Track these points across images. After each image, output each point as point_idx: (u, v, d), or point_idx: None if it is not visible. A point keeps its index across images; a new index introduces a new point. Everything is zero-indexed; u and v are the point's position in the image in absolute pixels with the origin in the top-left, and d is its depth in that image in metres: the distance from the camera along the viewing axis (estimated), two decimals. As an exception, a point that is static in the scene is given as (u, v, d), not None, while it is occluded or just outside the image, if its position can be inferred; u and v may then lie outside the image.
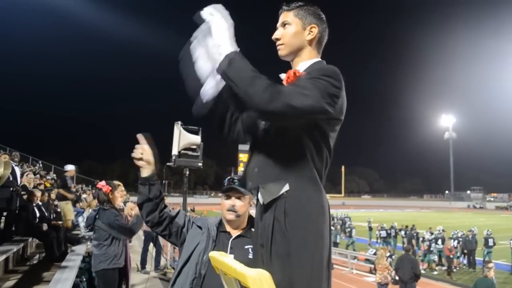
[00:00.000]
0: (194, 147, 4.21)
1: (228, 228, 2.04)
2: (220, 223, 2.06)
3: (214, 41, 1.36)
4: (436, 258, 15.51)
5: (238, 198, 2.00)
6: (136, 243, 10.79)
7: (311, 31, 1.52)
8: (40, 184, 9.72)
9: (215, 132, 1.76)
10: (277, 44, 1.55)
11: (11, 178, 6.27)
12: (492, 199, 78.72)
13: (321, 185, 1.44)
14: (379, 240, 19.50)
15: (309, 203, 1.39)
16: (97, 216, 4.29)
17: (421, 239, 16.99)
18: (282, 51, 1.54)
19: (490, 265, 7.85)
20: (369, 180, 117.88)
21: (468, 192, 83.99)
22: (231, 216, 1.99)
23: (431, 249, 15.54)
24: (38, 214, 6.80)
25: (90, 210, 9.55)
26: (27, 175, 8.53)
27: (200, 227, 2.05)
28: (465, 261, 15.94)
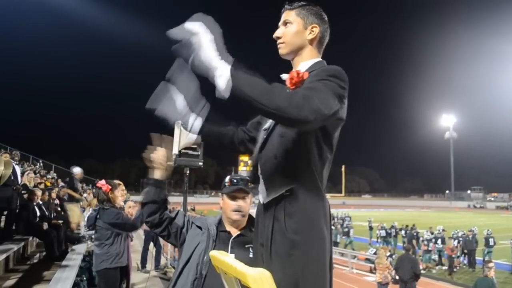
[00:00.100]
0: (195, 146, 4.21)
1: (228, 227, 2.03)
2: (220, 223, 2.06)
3: (203, 64, 1.22)
4: (436, 257, 15.52)
5: (243, 198, 2.01)
6: (136, 242, 10.79)
7: (312, 31, 1.52)
8: (40, 183, 9.72)
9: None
10: (277, 42, 1.55)
11: (12, 177, 6.28)
12: (492, 198, 78.62)
13: (322, 185, 1.44)
14: (379, 240, 19.52)
15: (310, 204, 1.39)
16: (97, 216, 4.29)
17: (421, 238, 17.01)
18: (282, 50, 1.54)
19: (490, 264, 7.85)
20: (370, 179, 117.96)
21: (469, 191, 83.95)
22: (237, 216, 1.99)
23: (429, 248, 15.56)
24: (38, 213, 6.81)
25: (91, 209, 9.57)
26: (27, 174, 8.54)
27: (200, 227, 2.05)
28: (465, 261, 15.95)
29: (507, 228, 27.09)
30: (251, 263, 1.40)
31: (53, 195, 8.76)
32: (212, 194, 78.82)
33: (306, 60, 1.53)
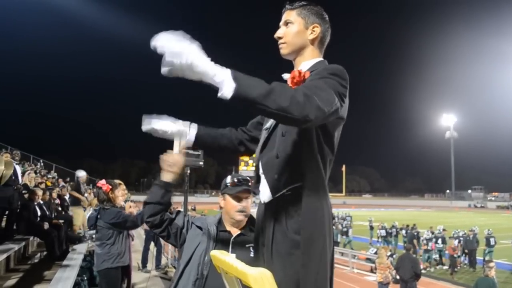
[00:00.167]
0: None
1: (228, 227, 2.03)
2: (219, 222, 2.05)
3: (198, 70, 1.15)
4: (437, 257, 15.51)
5: (246, 198, 2.01)
6: (137, 242, 10.79)
7: (314, 31, 1.52)
8: (41, 183, 9.74)
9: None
10: (279, 42, 1.55)
11: (12, 177, 6.29)
12: (493, 198, 78.57)
13: (324, 185, 1.44)
14: (380, 239, 19.51)
15: (312, 203, 1.39)
16: (98, 216, 4.29)
17: (421, 238, 17.00)
18: (284, 50, 1.54)
19: (491, 264, 7.84)
20: (370, 179, 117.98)
21: (469, 191, 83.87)
22: (241, 217, 1.99)
23: (428, 248, 15.55)
24: (39, 213, 6.81)
25: (91, 209, 9.60)
26: (28, 174, 8.57)
27: (200, 228, 2.04)
28: (466, 261, 15.94)
29: (507, 228, 27.08)
30: (252, 262, 1.40)
31: (54, 194, 8.77)
32: (213, 193, 78.88)
33: (307, 60, 1.53)
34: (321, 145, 1.43)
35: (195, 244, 1.99)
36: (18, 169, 7.37)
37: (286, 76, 1.46)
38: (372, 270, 13.22)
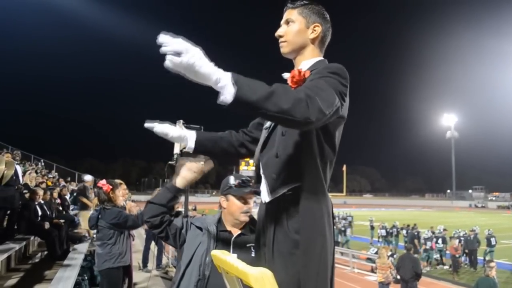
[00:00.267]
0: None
1: (229, 227, 2.02)
2: (219, 222, 2.04)
3: (200, 73, 1.12)
4: (438, 256, 15.49)
5: (251, 199, 2.01)
6: (137, 241, 10.80)
7: (315, 30, 1.52)
8: (42, 182, 9.74)
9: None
10: (280, 41, 1.55)
11: (13, 177, 6.29)
12: (494, 198, 78.40)
13: (325, 184, 1.43)
14: (380, 239, 19.50)
15: (313, 203, 1.39)
16: (99, 216, 4.29)
17: (421, 238, 16.99)
18: (284, 49, 1.54)
19: (492, 264, 7.83)
20: (371, 179, 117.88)
21: (470, 191, 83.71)
22: (246, 218, 1.99)
23: (427, 247, 15.53)
24: (40, 213, 6.81)
25: (92, 209, 9.62)
26: (29, 173, 8.56)
27: (199, 228, 2.04)
28: (466, 261, 15.92)
29: (508, 228, 27.06)
30: (253, 262, 1.40)
31: (55, 194, 8.77)
32: (213, 193, 78.87)
33: (308, 59, 1.53)
34: (321, 145, 1.42)
35: (196, 244, 1.98)
36: (19, 169, 7.38)
37: (286, 75, 1.46)
38: (372, 270, 13.21)
